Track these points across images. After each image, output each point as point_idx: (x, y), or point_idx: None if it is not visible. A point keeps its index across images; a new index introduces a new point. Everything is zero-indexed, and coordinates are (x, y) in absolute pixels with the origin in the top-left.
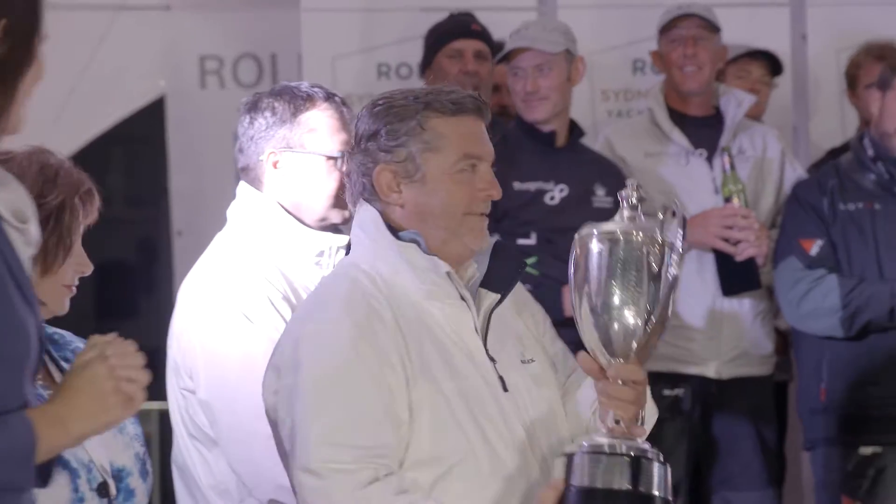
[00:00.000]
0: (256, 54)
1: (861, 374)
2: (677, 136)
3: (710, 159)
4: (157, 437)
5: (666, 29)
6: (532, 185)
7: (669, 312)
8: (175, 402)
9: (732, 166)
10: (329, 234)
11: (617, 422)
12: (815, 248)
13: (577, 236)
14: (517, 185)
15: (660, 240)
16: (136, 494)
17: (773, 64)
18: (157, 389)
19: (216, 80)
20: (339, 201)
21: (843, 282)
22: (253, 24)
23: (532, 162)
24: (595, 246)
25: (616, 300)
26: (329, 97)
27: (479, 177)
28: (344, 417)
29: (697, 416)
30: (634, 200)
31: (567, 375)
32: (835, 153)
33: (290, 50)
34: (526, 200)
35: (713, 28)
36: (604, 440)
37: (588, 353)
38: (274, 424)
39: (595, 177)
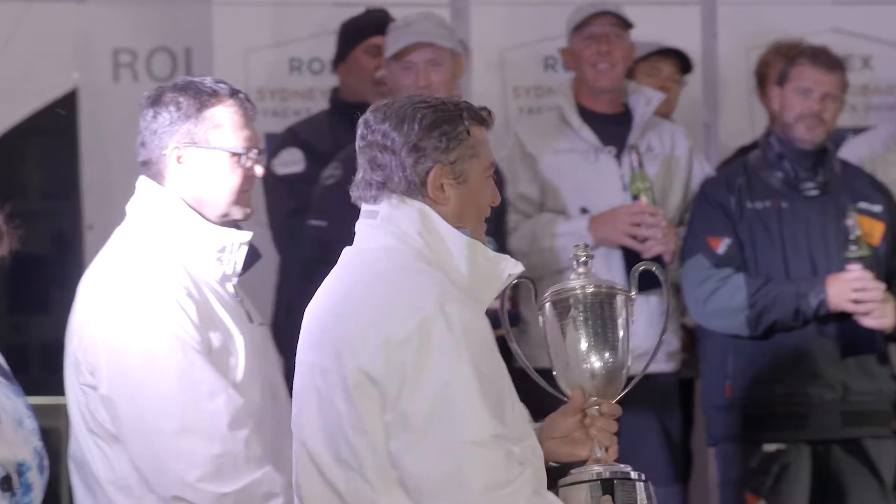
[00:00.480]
0: (170, 48)
1: (765, 371)
2: (587, 133)
3: (618, 156)
4: (66, 431)
5: (579, 27)
6: None
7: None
8: (74, 397)
9: (641, 164)
10: (231, 231)
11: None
12: (722, 246)
13: (545, 298)
14: None
15: (619, 290)
16: (33, 489)
17: (683, 62)
18: None
19: (129, 73)
20: (241, 198)
21: (749, 281)
22: (167, 18)
23: None
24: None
25: (595, 350)
26: (234, 93)
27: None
28: (497, 396)
29: None
30: (584, 259)
31: None
32: (744, 151)
33: (203, 44)
34: None
35: (626, 25)
36: (599, 468)
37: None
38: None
39: None
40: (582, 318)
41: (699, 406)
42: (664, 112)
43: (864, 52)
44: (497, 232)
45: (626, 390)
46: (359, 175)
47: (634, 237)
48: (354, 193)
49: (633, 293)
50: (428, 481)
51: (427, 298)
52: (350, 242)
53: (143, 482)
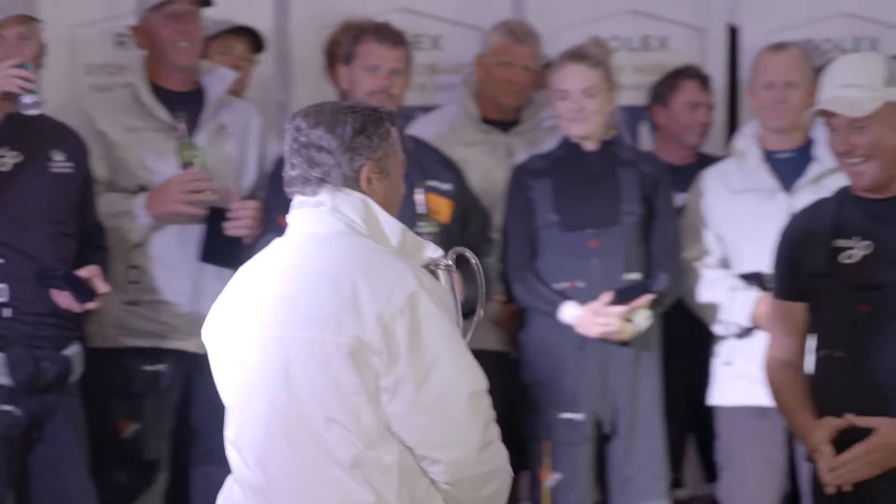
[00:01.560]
0: None
1: None
2: (159, 111)
3: (189, 134)
4: None
5: (159, 6)
6: None
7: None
8: None
9: (189, 132)
10: None
11: None
12: None
13: None
14: None
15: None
16: None
17: (255, 41)
18: None
19: None
20: None
21: None
22: None
23: None
24: None
25: None
26: None
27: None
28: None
29: (179, 392)
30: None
31: None
32: None
33: None
34: None
35: (203, 4)
36: None
37: None
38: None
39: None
40: None
41: None
42: (237, 90)
43: (433, 33)
44: None
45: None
46: (293, 172)
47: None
48: (291, 188)
49: (452, 265)
50: (431, 433)
51: (408, 275)
52: None
53: None
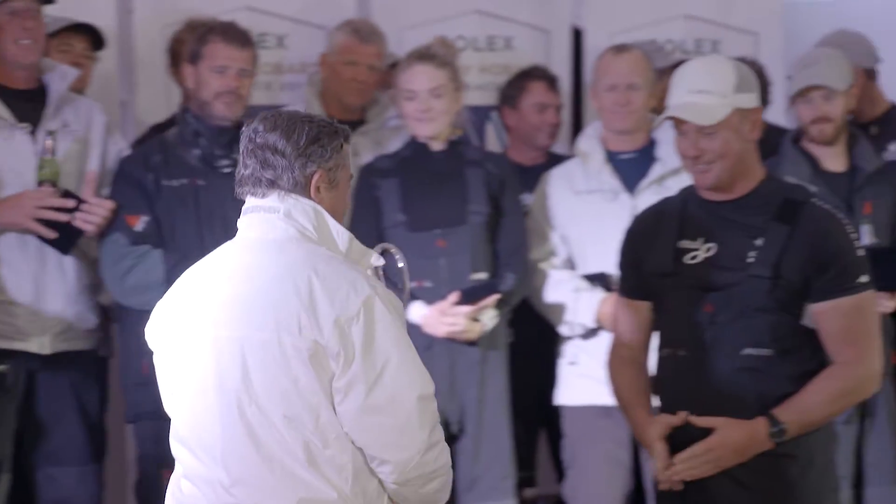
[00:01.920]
0: None
1: None
2: (1, 109)
3: (34, 133)
4: None
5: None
6: None
7: None
8: None
9: (53, 151)
10: None
11: None
12: (140, 223)
13: None
14: None
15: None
16: None
17: (95, 38)
18: None
19: None
20: None
21: (167, 257)
22: None
23: None
24: None
25: None
26: None
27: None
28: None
29: (22, 392)
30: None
31: None
32: (158, 128)
33: None
34: None
35: (45, 1)
36: None
37: None
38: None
39: None
40: None
41: (115, 383)
42: (78, 88)
43: (278, 31)
44: None
45: None
46: (246, 171)
47: (46, 222)
48: (242, 188)
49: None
50: (381, 434)
51: (362, 282)
52: None
53: None
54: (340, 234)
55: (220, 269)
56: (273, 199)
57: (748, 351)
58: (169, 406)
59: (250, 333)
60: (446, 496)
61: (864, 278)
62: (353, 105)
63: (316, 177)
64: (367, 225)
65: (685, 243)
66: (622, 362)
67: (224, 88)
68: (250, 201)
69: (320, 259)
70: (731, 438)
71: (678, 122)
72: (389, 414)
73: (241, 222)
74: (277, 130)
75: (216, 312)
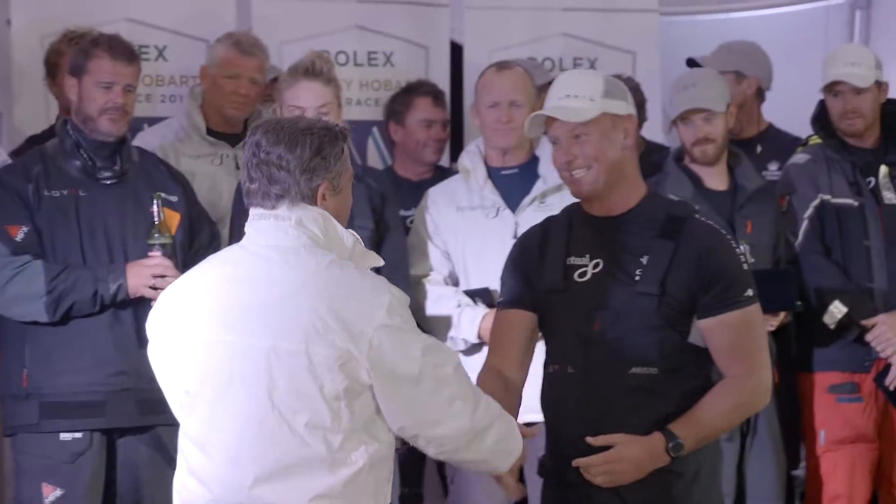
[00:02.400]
0: None
1: (62, 359)
2: None
3: None
4: None
5: None
6: None
7: None
8: None
9: None
10: None
11: None
12: (20, 234)
13: None
14: None
15: None
16: None
17: None
18: None
19: None
20: None
21: (48, 267)
22: None
23: None
24: None
25: None
26: None
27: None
28: None
29: None
30: None
31: None
32: (36, 139)
33: None
34: None
35: None
36: None
37: None
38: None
39: None
40: None
41: None
42: None
43: (158, 43)
44: None
45: None
46: (253, 185)
47: None
48: (252, 200)
49: None
50: (428, 412)
51: (381, 288)
52: None
53: None
54: (346, 237)
55: (236, 275)
56: (283, 210)
57: (635, 370)
58: (178, 405)
59: (277, 343)
60: (507, 445)
61: (749, 292)
62: (234, 118)
63: (322, 188)
64: None
65: (574, 260)
66: (489, 376)
67: (110, 104)
68: (259, 211)
69: (336, 267)
70: (629, 454)
71: (551, 132)
72: (434, 395)
73: (252, 228)
74: (281, 145)
75: (238, 320)
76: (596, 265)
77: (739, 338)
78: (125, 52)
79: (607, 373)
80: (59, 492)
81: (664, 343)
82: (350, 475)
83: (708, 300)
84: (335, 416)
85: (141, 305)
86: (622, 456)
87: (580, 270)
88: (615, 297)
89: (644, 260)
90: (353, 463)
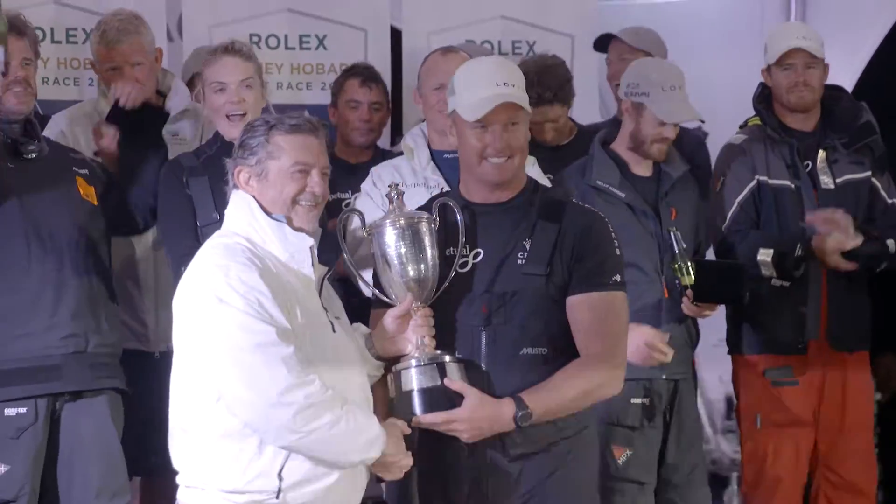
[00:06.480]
0: None
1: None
2: None
3: None
4: None
5: None
6: None
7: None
8: None
9: None
10: None
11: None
12: None
13: (371, 226)
14: None
15: (422, 217)
16: None
17: None
18: None
19: None
20: None
21: None
22: None
23: None
24: (388, 231)
25: (414, 265)
26: None
27: (310, 178)
28: None
29: None
30: (395, 196)
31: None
32: None
33: None
34: None
35: None
36: (419, 355)
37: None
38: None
39: None
40: (399, 240)
41: None
42: None
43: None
44: None
45: (436, 295)
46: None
47: None
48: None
49: (436, 218)
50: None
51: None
52: None
53: None
54: (269, 224)
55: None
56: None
57: (526, 350)
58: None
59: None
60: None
61: (617, 277)
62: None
63: (240, 174)
64: (182, 224)
65: (453, 250)
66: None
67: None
68: None
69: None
70: (476, 413)
71: (490, 117)
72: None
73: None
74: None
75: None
76: (476, 254)
77: (600, 319)
78: (16, 26)
79: (497, 356)
80: (2, 468)
81: (551, 323)
82: None
83: (578, 276)
84: (198, 417)
85: (92, 268)
86: (460, 416)
87: (462, 260)
88: (500, 282)
89: (527, 243)
90: None
